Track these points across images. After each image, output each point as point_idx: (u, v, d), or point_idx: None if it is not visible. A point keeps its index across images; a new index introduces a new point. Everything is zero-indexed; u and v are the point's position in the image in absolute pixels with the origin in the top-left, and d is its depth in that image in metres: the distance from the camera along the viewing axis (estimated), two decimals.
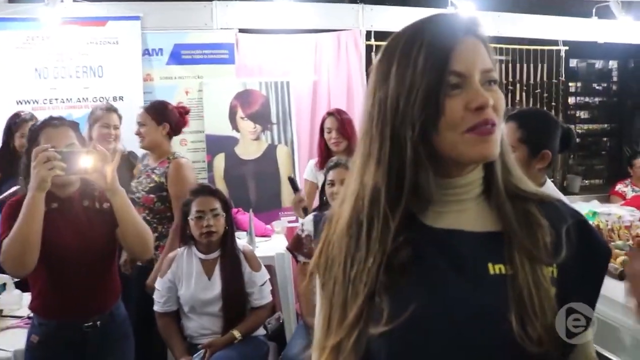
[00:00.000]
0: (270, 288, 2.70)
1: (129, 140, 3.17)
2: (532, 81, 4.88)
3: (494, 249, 0.78)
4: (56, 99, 3.76)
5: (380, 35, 4.26)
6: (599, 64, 5.76)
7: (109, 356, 2.00)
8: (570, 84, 5.36)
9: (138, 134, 2.91)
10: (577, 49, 5.02)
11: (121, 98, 3.78)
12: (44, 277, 1.91)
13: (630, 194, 4.51)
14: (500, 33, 4.35)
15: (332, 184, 2.56)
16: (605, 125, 5.79)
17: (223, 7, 4.02)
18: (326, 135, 3.23)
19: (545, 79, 4.90)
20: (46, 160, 1.70)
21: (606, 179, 5.62)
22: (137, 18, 3.85)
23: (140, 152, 3.14)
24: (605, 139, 5.84)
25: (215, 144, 3.89)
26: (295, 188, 3.08)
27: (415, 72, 0.76)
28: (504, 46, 4.65)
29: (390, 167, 0.78)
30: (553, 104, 4.93)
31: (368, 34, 4.28)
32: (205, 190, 2.63)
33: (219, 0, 4.01)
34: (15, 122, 3.12)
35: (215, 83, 3.94)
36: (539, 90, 4.90)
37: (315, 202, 3.17)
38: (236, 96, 3.91)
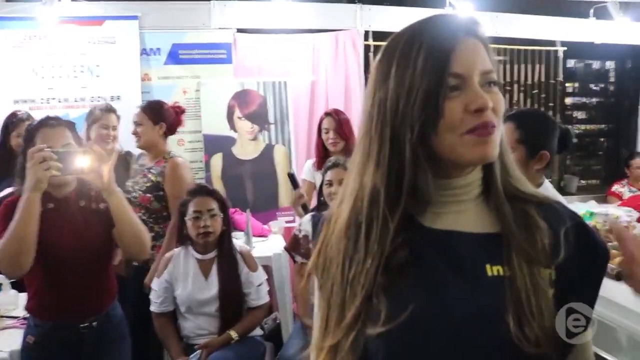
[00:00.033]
0: (268, 288, 2.70)
1: (126, 139, 3.16)
2: (529, 81, 4.88)
3: (492, 250, 0.78)
4: (53, 99, 3.75)
5: (378, 35, 4.27)
6: (596, 65, 5.77)
7: (105, 357, 1.99)
8: (567, 84, 5.36)
9: (135, 133, 2.90)
10: (574, 49, 5.03)
11: (118, 98, 3.78)
12: (40, 277, 1.91)
13: (627, 194, 4.52)
14: (498, 33, 4.35)
15: (330, 184, 2.56)
16: (603, 125, 5.80)
17: (221, 7, 4.01)
18: (324, 136, 3.23)
19: (542, 79, 4.91)
20: (42, 160, 1.70)
21: (603, 180, 5.62)
22: (135, 18, 3.84)
23: (136, 151, 3.13)
24: (602, 139, 5.85)
25: (213, 144, 3.88)
26: (295, 184, 3.05)
27: (414, 73, 0.75)
28: (501, 46, 4.66)
29: (389, 169, 0.78)
30: (550, 104, 4.93)
31: (366, 34, 4.28)
32: (203, 191, 2.63)
33: (217, 0, 4.00)
34: (12, 122, 3.11)
35: (212, 83, 3.94)
36: (536, 91, 4.90)
37: (313, 202, 3.17)
38: (234, 96, 3.90)
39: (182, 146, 3.91)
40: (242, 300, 2.59)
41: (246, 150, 3.92)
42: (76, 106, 3.76)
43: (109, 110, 3.13)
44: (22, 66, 3.69)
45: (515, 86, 4.83)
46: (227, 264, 2.56)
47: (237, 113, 3.91)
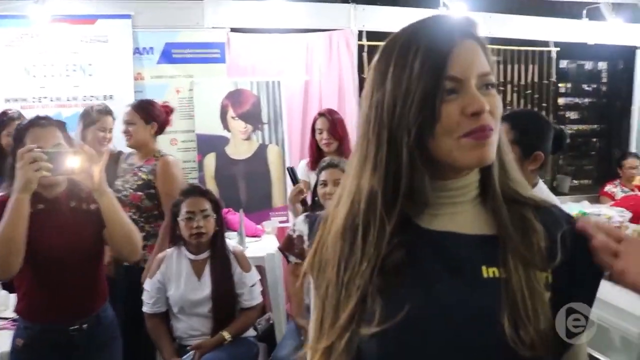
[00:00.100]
0: (261, 289, 2.69)
1: (116, 138, 3.16)
2: (523, 82, 4.90)
3: (488, 252, 0.78)
4: (45, 98, 3.72)
5: (372, 35, 4.27)
6: (588, 65, 5.80)
7: (95, 359, 1.97)
8: (560, 84, 5.38)
9: (126, 132, 2.89)
10: (567, 50, 5.05)
11: (111, 97, 3.75)
12: (29, 279, 1.88)
13: (619, 194, 4.54)
14: (492, 34, 4.35)
15: (325, 184, 2.55)
16: (595, 126, 5.83)
17: (214, 6, 4.00)
18: (317, 136, 3.22)
19: (536, 79, 4.93)
20: (32, 161, 1.67)
21: (595, 180, 5.65)
22: (128, 16, 3.82)
23: (125, 150, 3.11)
24: (594, 139, 5.88)
25: (206, 144, 3.87)
26: (294, 179, 3.00)
27: (411, 76, 0.75)
28: (495, 47, 4.66)
29: (386, 171, 0.78)
30: (544, 104, 4.95)
31: (360, 34, 4.28)
32: (196, 191, 2.62)
33: None
34: (2, 121, 3.09)
35: (206, 82, 3.92)
36: (529, 91, 4.92)
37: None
38: (227, 96, 3.89)
39: (175, 146, 3.90)
40: (235, 301, 2.58)
41: (239, 150, 3.91)
42: (68, 105, 3.74)
43: (107, 112, 3.13)
44: (14, 65, 3.66)
45: (509, 86, 4.84)
46: (220, 264, 2.55)
47: (231, 113, 3.89)
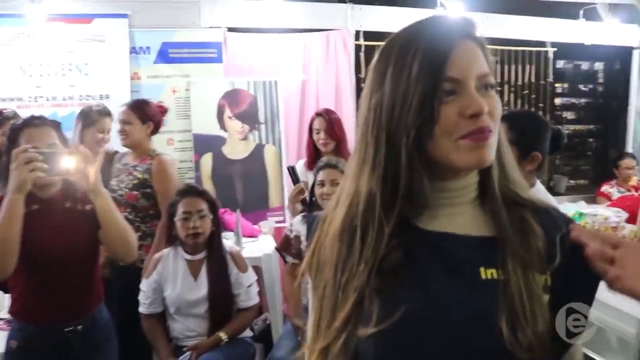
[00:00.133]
0: (258, 289, 2.69)
1: (112, 138, 3.15)
2: (520, 82, 4.90)
3: (487, 254, 0.78)
4: (41, 97, 3.70)
5: (369, 35, 4.27)
6: (585, 66, 5.81)
7: None
8: (557, 85, 5.40)
9: (122, 132, 2.88)
10: (564, 50, 5.06)
11: (107, 97, 3.74)
12: (24, 280, 1.87)
13: (616, 194, 4.54)
14: (489, 34, 4.32)
15: (322, 184, 2.55)
16: (591, 126, 5.84)
17: (211, 5, 3.99)
18: (315, 136, 3.22)
19: (533, 80, 4.94)
20: (27, 161, 1.66)
21: (592, 180, 5.67)
22: (124, 16, 3.81)
23: (119, 150, 3.11)
24: (591, 139, 5.90)
25: (203, 144, 3.86)
26: (295, 179, 2.97)
27: (410, 78, 0.75)
28: (492, 47, 4.64)
29: (385, 173, 0.77)
30: (540, 104, 4.96)
31: (357, 33, 4.27)
32: (192, 191, 2.61)
33: None
34: None
35: (202, 82, 3.91)
36: (526, 91, 4.93)
37: None
38: (224, 95, 3.88)
39: (171, 145, 3.89)
40: (232, 302, 2.58)
41: (236, 150, 3.90)
42: (64, 105, 3.72)
43: (107, 114, 3.12)
44: (9, 64, 3.64)
45: (506, 87, 4.84)
46: (217, 264, 2.55)
47: (228, 112, 3.88)
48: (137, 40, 3.87)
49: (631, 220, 3.01)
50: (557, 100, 5.56)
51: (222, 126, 3.88)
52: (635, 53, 5.09)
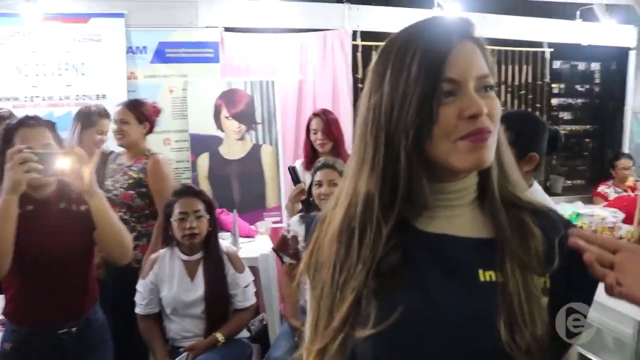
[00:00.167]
0: (254, 290, 2.68)
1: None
2: (516, 82, 4.91)
3: (485, 256, 0.78)
4: (37, 97, 3.69)
5: (366, 35, 4.27)
6: (582, 66, 5.83)
7: None
8: (553, 85, 5.41)
9: (119, 131, 2.87)
10: (561, 50, 5.07)
11: (104, 96, 3.73)
12: (18, 281, 1.86)
13: (612, 195, 4.56)
14: (486, 34, 4.34)
15: (320, 184, 2.54)
16: (588, 126, 5.86)
17: (208, 5, 3.98)
18: (312, 136, 3.22)
19: (529, 80, 4.95)
20: (22, 161, 1.65)
21: (588, 180, 5.68)
22: (121, 15, 3.80)
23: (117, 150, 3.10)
24: (587, 140, 5.91)
25: (200, 144, 3.85)
26: (296, 179, 2.93)
27: (409, 79, 0.74)
28: (489, 47, 4.66)
29: (384, 173, 0.77)
30: (537, 105, 4.97)
31: (354, 33, 4.28)
32: (189, 192, 2.60)
33: None
34: None
35: (199, 82, 3.90)
36: (523, 92, 4.94)
37: None
38: (221, 95, 3.87)
39: (168, 145, 3.88)
40: (229, 302, 2.57)
41: (233, 150, 3.89)
42: (61, 105, 3.71)
43: (106, 115, 3.11)
44: (5, 63, 3.63)
45: (503, 87, 4.86)
46: (214, 265, 2.54)
47: (224, 112, 3.88)
48: (133, 40, 3.86)
49: (628, 220, 3.01)
50: (554, 101, 5.57)
51: (219, 126, 3.88)
52: (631, 54, 5.11)
